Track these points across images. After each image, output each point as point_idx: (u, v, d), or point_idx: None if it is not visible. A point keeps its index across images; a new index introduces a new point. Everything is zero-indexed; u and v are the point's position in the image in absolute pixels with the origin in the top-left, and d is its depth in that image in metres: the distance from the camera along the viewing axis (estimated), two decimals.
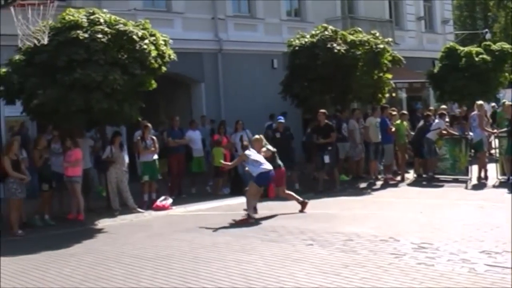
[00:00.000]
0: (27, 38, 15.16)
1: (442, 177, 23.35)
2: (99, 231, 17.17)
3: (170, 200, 20.43)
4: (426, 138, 23.29)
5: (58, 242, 15.38)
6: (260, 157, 17.34)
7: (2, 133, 23.23)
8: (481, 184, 21.85)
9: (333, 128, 22.81)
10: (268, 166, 17.20)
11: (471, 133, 23.30)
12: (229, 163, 19.50)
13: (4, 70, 18.73)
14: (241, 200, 20.50)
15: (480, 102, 23.81)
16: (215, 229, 16.09)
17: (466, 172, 22.58)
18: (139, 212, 19.49)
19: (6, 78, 18.47)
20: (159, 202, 20.20)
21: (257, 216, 17.16)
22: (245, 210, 17.31)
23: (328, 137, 22.26)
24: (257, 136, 18.71)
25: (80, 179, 18.90)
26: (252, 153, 17.42)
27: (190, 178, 23.20)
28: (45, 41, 15.86)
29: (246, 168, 17.96)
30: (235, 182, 22.84)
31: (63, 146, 19.30)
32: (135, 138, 21.47)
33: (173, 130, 22.99)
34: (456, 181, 22.63)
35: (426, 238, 13.17)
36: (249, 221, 16.62)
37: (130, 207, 19.65)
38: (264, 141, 18.52)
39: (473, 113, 23.82)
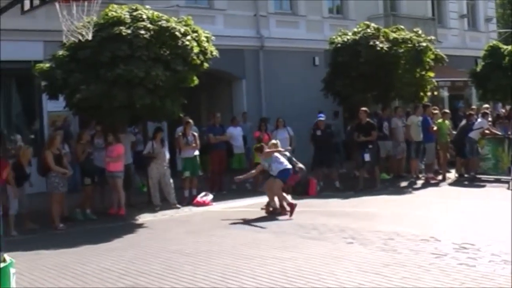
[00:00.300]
0: (72, 34, 15.24)
1: (484, 177, 23.18)
2: (140, 226, 17.26)
3: (210, 196, 20.48)
4: (468, 138, 23.12)
5: (99, 237, 15.49)
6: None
7: (45, 128, 23.47)
8: None
9: (374, 126, 22.70)
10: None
11: None
12: (241, 177, 19.46)
13: (48, 65, 18.89)
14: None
15: None
16: (255, 226, 16.12)
17: (508, 172, 22.33)
18: (179, 208, 19.55)
19: (49, 73, 18.62)
20: (200, 198, 20.26)
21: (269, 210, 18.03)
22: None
23: (369, 135, 22.16)
24: (274, 141, 19.29)
25: (122, 174, 19.01)
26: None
27: (230, 175, 23.19)
28: (90, 36, 15.93)
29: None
30: None
31: (106, 141, 19.44)
32: (177, 134, 21.55)
33: (214, 127, 23.04)
34: (498, 181, 22.43)
35: (468, 238, 13.08)
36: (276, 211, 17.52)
37: (170, 202, 19.71)
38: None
39: None
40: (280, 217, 17.30)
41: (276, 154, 18.28)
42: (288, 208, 17.50)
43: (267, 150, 18.48)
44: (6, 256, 8.07)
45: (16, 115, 23.84)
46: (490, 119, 24.70)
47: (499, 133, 24.28)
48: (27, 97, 23.87)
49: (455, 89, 38.14)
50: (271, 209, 17.96)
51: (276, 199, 17.96)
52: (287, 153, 19.26)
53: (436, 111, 25.05)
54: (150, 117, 19.54)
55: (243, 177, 19.25)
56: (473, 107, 31.08)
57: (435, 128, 23.85)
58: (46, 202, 17.67)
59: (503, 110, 31.60)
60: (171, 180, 19.92)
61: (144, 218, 18.26)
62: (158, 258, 12.87)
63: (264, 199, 19.46)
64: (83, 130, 20.09)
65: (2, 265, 7.90)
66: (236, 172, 23.20)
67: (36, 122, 23.95)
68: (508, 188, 21.04)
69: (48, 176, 17.30)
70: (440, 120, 24.25)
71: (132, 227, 17.00)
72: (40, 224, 17.06)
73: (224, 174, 23.00)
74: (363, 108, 23.16)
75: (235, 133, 23.37)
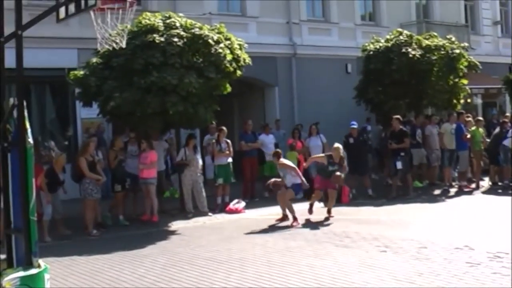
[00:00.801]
0: (106, 42, 15.34)
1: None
2: (173, 232, 17.32)
3: (243, 204, 20.51)
4: (502, 146, 22.94)
5: (132, 243, 15.56)
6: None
7: (79, 135, 23.64)
8: None
9: (407, 134, 22.62)
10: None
11: None
12: (272, 180, 19.35)
13: (82, 72, 19.04)
14: (314, 205, 20.53)
15: None
16: (288, 233, 16.12)
17: None
18: (210, 215, 19.58)
19: (83, 81, 18.76)
20: (232, 205, 20.30)
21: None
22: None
23: (402, 142, 22.08)
24: (336, 145, 19.08)
25: (155, 181, 19.10)
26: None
27: (263, 182, 23.18)
28: (123, 44, 16.02)
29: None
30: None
31: (139, 148, 19.56)
32: (205, 142, 21.55)
33: (246, 134, 23.05)
34: None
35: (502, 247, 12.98)
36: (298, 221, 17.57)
37: (201, 210, 19.75)
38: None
39: None
40: (314, 225, 17.28)
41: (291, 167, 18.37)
42: (291, 221, 17.70)
43: (282, 161, 18.44)
44: (41, 261, 8.12)
45: (50, 122, 24.05)
46: None
47: None
48: (61, 104, 24.09)
49: (488, 96, 37.93)
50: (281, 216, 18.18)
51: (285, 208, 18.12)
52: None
53: (469, 119, 24.90)
54: (183, 124, 19.60)
55: (273, 181, 19.10)
56: (507, 114, 30.84)
57: (468, 136, 23.69)
58: (80, 208, 17.79)
59: None
60: (202, 186, 19.95)
61: (177, 225, 18.31)
62: (191, 265, 12.90)
63: (296, 206, 19.49)
64: (117, 136, 20.19)
65: (37, 270, 7.96)
66: (268, 179, 23.28)
67: (70, 129, 24.13)
68: None
69: (82, 183, 17.43)
70: (473, 128, 24.09)
71: (165, 234, 17.06)
72: (74, 230, 17.18)
73: (256, 181, 22.97)
74: (396, 116, 23.09)
75: (267, 140, 23.35)
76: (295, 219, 17.55)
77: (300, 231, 16.37)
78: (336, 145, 19.15)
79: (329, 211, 18.48)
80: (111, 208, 18.86)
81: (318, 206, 20.65)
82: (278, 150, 19.53)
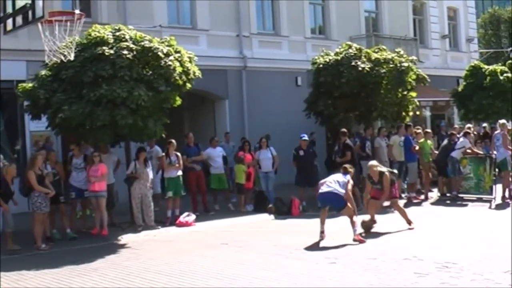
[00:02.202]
0: (54, 54, 15.27)
1: (466, 196, 23.21)
2: (122, 246, 17.20)
3: (193, 217, 20.44)
4: (451, 157, 23.18)
5: (82, 257, 15.41)
6: (332, 178, 16.98)
7: (28, 148, 23.41)
8: (505, 204, 21.67)
9: (350, 147, 22.80)
10: (325, 188, 16.58)
11: (495, 152, 23.16)
12: None
13: (30, 85, 18.86)
14: (265, 217, 20.58)
15: (503, 121, 23.73)
16: (238, 246, 16.11)
17: (490, 191, 22.43)
18: (158, 228, 19.50)
19: (32, 93, 18.57)
20: (182, 218, 20.22)
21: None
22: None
23: (344, 156, 22.29)
24: (370, 163, 18.48)
25: (106, 194, 18.99)
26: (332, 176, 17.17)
27: (211, 195, 23.14)
28: (72, 57, 15.96)
29: None
30: (259, 199, 22.82)
31: (86, 161, 19.45)
32: (148, 155, 21.33)
33: (189, 147, 22.90)
34: (480, 200, 22.49)
35: (450, 257, 13.12)
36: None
37: (148, 224, 19.66)
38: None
39: (496, 132, 23.72)
40: (264, 237, 17.28)
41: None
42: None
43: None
44: None
45: None
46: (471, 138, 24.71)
47: (481, 152, 24.36)
48: (9, 117, 23.85)
49: (437, 109, 38.42)
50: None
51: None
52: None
53: (419, 131, 25.15)
54: (132, 137, 19.49)
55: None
56: (455, 126, 31.23)
57: (417, 147, 23.92)
58: (28, 222, 17.58)
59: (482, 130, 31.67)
60: (150, 200, 19.85)
61: (126, 238, 18.19)
62: (141, 279, 12.84)
63: (247, 219, 19.59)
64: (50, 151, 19.91)
65: None
66: (216, 192, 23.25)
67: (19, 142, 23.87)
68: (490, 207, 21.15)
69: (31, 196, 17.23)
70: (422, 140, 24.32)
71: (114, 247, 16.94)
72: (22, 244, 16.95)
73: (206, 194, 22.87)
74: (342, 129, 23.27)
75: (214, 153, 23.20)
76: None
77: (251, 244, 16.36)
78: (371, 162, 18.61)
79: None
80: (51, 223, 18.54)
81: (268, 219, 20.77)
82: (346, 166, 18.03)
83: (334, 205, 16.63)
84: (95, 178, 18.82)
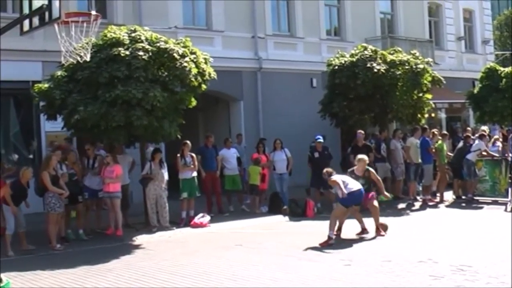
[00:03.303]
0: (70, 55, 15.29)
1: (481, 199, 23.16)
2: (137, 247, 17.24)
3: (207, 218, 20.45)
4: (466, 160, 23.12)
5: (96, 257, 15.45)
6: (345, 178, 16.91)
7: (43, 148, 23.47)
8: None
9: (370, 148, 22.75)
10: (354, 186, 16.54)
11: (511, 155, 23.07)
12: None
13: (46, 85, 18.91)
14: (279, 219, 20.57)
15: None
16: (253, 247, 16.11)
17: (506, 194, 22.33)
18: (173, 229, 19.53)
19: (48, 94, 18.63)
20: (197, 219, 20.22)
21: (342, 237, 16.73)
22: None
23: None
24: (360, 156, 18.16)
25: (120, 195, 19.01)
26: (337, 176, 16.96)
27: (226, 196, 23.14)
28: (88, 58, 15.98)
29: (333, 190, 17.68)
30: (273, 200, 22.81)
31: (99, 162, 19.53)
32: (147, 154, 21.31)
33: (206, 148, 22.93)
34: (495, 203, 22.41)
35: (465, 260, 13.09)
36: (329, 242, 15.86)
37: (163, 225, 19.69)
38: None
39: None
40: (278, 239, 17.28)
41: (341, 180, 16.69)
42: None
43: (332, 179, 17.04)
44: (3, 276, 8.06)
45: (14, 135, 23.83)
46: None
47: (497, 155, 24.27)
48: (25, 117, 23.90)
49: (452, 111, 38.23)
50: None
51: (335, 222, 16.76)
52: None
53: (436, 133, 25.11)
54: (147, 137, 19.52)
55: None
56: (469, 128, 31.11)
57: (434, 149, 23.87)
58: (43, 222, 17.64)
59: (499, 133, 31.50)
60: (165, 201, 19.87)
61: (141, 239, 18.22)
62: (155, 279, 12.86)
63: (261, 220, 19.57)
64: (68, 151, 19.98)
65: None
66: (230, 194, 23.24)
67: (34, 142, 23.94)
68: (506, 210, 21.06)
69: (45, 197, 17.27)
70: (439, 142, 24.27)
71: (129, 248, 16.97)
72: (37, 244, 17.00)
73: (220, 195, 22.88)
74: (360, 131, 23.22)
75: (227, 155, 23.24)
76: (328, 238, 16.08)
77: (265, 245, 16.35)
78: (360, 156, 18.23)
79: (377, 228, 17.22)
80: (66, 224, 18.61)
81: (283, 220, 20.78)
82: (329, 169, 17.81)
83: (359, 202, 16.73)
84: (110, 179, 18.85)
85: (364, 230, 17.04)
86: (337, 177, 16.83)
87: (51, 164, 17.42)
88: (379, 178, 18.07)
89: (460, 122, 39.47)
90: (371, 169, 17.82)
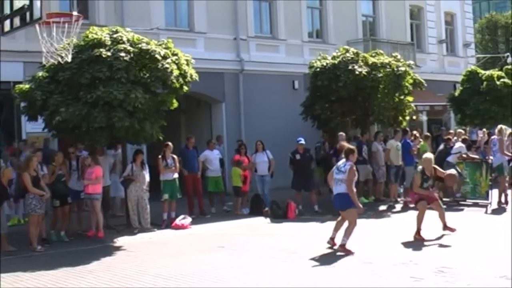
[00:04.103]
0: (51, 56, 15.25)
1: (462, 201, 23.21)
2: (118, 248, 17.17)
3: (189, 219, 20.42)
4: (447, 162, 23.16)
5: (77, 259, 15.40)
6: None
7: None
8: (501, 209, 21.69)
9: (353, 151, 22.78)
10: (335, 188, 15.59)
11: (491, 157, 23.17)
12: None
13: (27, 86, 18.84)
14: (261, 221, 20.58)
15: (500, 126, 23.73)
16: (235, 249, 16.10)
17: (486, 196, 22.43)
18: (154, 231, 19.49)
19: (29, 95, 18.55)
20: (178, 221, 20.19)
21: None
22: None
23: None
24: (427, 156, 17.71)
25: (100, 196, 18.95)
26: None
27: (207, 198, 23.11)
28: (69, 58, 15.94)
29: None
30: (254, 202, 22.81)
31: (81, 164, 19.47)
32: (115, 157, 21.32)
33: (188, 150, 22.90)
34: (476, 205, 22.48)
35: (446, 262, 13.14)
36: (350, 252, 14.87)
37: (144, 226, 19.66)
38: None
39: (493, 137, 23.75)
40: (260, 241, 17.28)
41: None
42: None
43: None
44: None
45: None
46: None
47: (477, 156, 24.35)
48: (6, 118, 23.80)
49: (434, 113, 38.42)
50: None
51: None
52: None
53: (417, 135, 25.19)
54: (129, 139, 19.49)
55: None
56: (451, 131, 31.26)
57: (415, 151, 23.93)
58: (24, 223, 17.56)
59: (481, 135, 31.62)
60: (146, 202, 19.83)
61: (122, 240, 18.16)
62: (136, 281, 12.83)
63: (243, 222, 19.55)
64: (57, 152, 19.97)
65: None
66: (213, 195, 23.23)
67: (15, 143, 23.82)
68: (486, 212, 21.15)
69: (26, 198, 17.20)
70: (422, 143, 24.34)
71: (110, 250, 16.91)
72: (18, 245, 16.92)
73: (202, 197, 22.85)
74: (341, 133, 23.28)
75: (210, 156, 23.23)
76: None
77: (247, 247, 16.34)
78: (426, 155, 17.83)
79: (445, 227, 17.06)
80: (52, 224, 18.63)
81: (264, 222, 20.78)
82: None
83: (342, 208, 15.66)
84: (89, 181, 18.79)
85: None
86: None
87: (31, 165, 17.30)
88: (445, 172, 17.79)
89: (442, 124, 39.62)
90: (437, 167, 17.50)
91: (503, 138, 22.92)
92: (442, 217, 17.10)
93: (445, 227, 17.03)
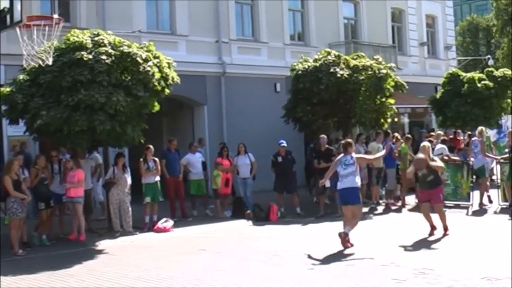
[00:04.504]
0: (32, 59, 15.21)
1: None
2: (100, 252, 17.14)
3: (171, 222, 20.40)
4: None
5: (59, 262, 15.35)
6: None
7: (5, 153, 23.26)
8: (482, 210, 21.79)
9: (333, 153, 22.81)
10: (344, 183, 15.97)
11: (472, 159, 23.27)
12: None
13: (8, 89, 18.76)
14: (243, 223, 20.58)
15: (480, 128, 23.83)
16: (217, 252, 16.10)
17: (467, 198, 22.52)
18: (136, 234, 19.45)
19: (10, 98, 18.47)
20: (160, 224, 20.16)
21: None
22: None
23: (329, 161, 22.19)
24: (425, 143, 17.85)
25: (82, 200, 18.89)
26: None
27: (189, 201, 23.08)
28: (50, 61, 15.89)
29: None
30: (236, 205, 22.82)
31: (63, 167, 19.40)
32: (99, 160, 21.36)
33: (169, 152, 22.87)
34: (457, 206, 22.55)
35: (428, 263, 13.19)
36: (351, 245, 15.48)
37: (126, 229, 19.61)
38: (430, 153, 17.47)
39: (473, 138, 23.83)
40: (242, 243, 17.29)
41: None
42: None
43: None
44: None
45: None
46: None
47: (458, 158, 24.43)
48: None
49: (415, 115, 38.57)
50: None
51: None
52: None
53: (399, 137, 25.28)
54: (111, 142, 19.42)
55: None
56: (432, 133, 31.34)
57: (397, 154, 23.98)
58: (5, 227, 17.49)
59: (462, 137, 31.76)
60: (128, 206, 19.79)
61: (104, 244, 18.11)
62: (118, 285, 12.82)
63: (225, 225, 19.55)
64: (39, 155, 19.91)
65: None
66: (195, 198, 23.19)
67: None
68: (467, 214, 21.24)
69: (7, 202, 17.11)
70: (403, 145, 24.41)
71: (92, 253, 16.87)
72: None
73: (184, 200, 22.82)
74: (323, 135, 23.32)
75: (193, 159, 23.19)
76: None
77: (230, 250, 16.35)
78: (424, 143, 17.88)
79: (445, 228, 17.10)
80: (37, 228, 18.57)
81: (247, 225, 20.76)
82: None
83: (353, 202, 16.05)
84: (71, 184, 18.73)
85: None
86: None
87: (13, 168, 17.23)
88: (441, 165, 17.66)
89: (424, 126, 39.74)
90: (435, 157, 17.40)
91: (483, 140, 23.05)
92: (443, 220, 17.18)
93: (445, 229, 17.09)
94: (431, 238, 16.62)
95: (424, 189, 17.48)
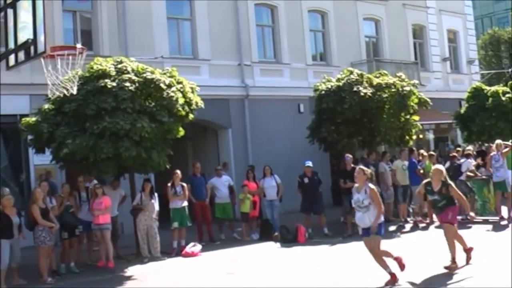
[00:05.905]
0: (57, 88, 15.32)
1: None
2: (129, 278, 17.18)
3: (199, 247, 20.41)
4: (460, 181, 22.76)
5: None
6: None
7: (32, 181, 23.41)
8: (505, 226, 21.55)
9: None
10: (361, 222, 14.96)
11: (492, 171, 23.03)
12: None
13: (34, 119, 18.93)
14: (270, 246, 20.57)
15: (498, 141, 23.43)
16: (246, 276, 16.09)
17: (496, 213, 22.36)
18: (163, 260, 19.47)
19: (35, 127, 18.65)
20: (188, 248, 20.19)
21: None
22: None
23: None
24: (438, 167, 16.33)
25: (110, 226, 18.96)
26: None
27: (216, 225, 23.08)
28: (74, 90, 16.01)
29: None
30: (263, 227, 22.80)
31: (91, 194, 19.49)
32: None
33: (195, 177, 22.96)
34: (486, 222, 22.37)
35: (459, 283, 13.11)
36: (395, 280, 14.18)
37: (154, 255, 19.64)
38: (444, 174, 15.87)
39: (493, 153, 23.46)
40: (270, 266, 17.25)
41: None
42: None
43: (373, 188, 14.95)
44: None
45: (3, 169, 23.75)
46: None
47: (479, 174, 24.19)
48: (13, 151, 23.86)
49: (440, 131, 38.40)
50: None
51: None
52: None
53: (425, 154, 25.18)
54: (136, 168, 19.53)
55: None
56: (458, 149, 31.19)
57: (421, 171, 23.88)
58: (34, 256, 17.57)
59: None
60: (156, 231, 19.82)
61: (133, 270, 18.15)
62: None
63: (252, 248, 19.51)
64: (64, 183, 20.04)
65: None
66: (221, 222, 23.19)
67: (22, 176, 23.88)
68: (491, 230, 21.03)
69: (35, 230, 17.21)
70: (427, 163, 24.29)
71: (121, 280, 16.93)
72: (28, 278, 16.93)
73: (211, 224, 22.83)
74: (348, 154, 23.28)
75: (218, 183, 23.22)
76: (392, 275, 14.29)
77: (258, 273, 16.32)
78: (436, 166, 16.66)
79: (453, 260, 15.29)
80: (61, 257, 18.59)
81: (274, 247, 20.73)
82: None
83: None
84: (99, 211, 18.82)
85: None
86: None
87: (38, 197, 17.34)
88: (460, 193, 15.96)
89: (448, 142, 39.58)
90: (451, 182, 15.84)
91: (503, 152, 22.76)
92: (456, 244, 15.54)
93: (467, 252, 15.65)
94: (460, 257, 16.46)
95: (437, 214, 16.49)
